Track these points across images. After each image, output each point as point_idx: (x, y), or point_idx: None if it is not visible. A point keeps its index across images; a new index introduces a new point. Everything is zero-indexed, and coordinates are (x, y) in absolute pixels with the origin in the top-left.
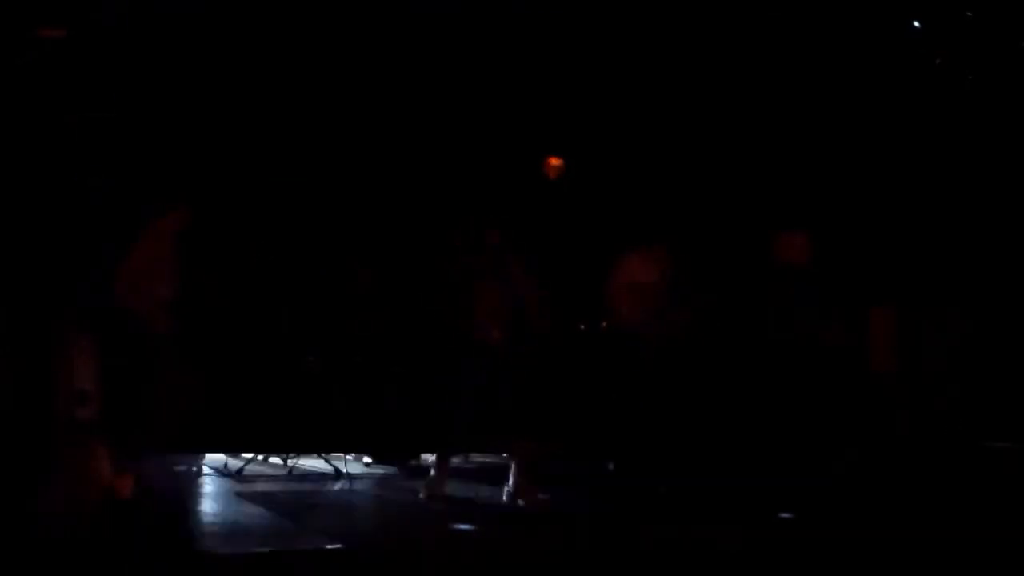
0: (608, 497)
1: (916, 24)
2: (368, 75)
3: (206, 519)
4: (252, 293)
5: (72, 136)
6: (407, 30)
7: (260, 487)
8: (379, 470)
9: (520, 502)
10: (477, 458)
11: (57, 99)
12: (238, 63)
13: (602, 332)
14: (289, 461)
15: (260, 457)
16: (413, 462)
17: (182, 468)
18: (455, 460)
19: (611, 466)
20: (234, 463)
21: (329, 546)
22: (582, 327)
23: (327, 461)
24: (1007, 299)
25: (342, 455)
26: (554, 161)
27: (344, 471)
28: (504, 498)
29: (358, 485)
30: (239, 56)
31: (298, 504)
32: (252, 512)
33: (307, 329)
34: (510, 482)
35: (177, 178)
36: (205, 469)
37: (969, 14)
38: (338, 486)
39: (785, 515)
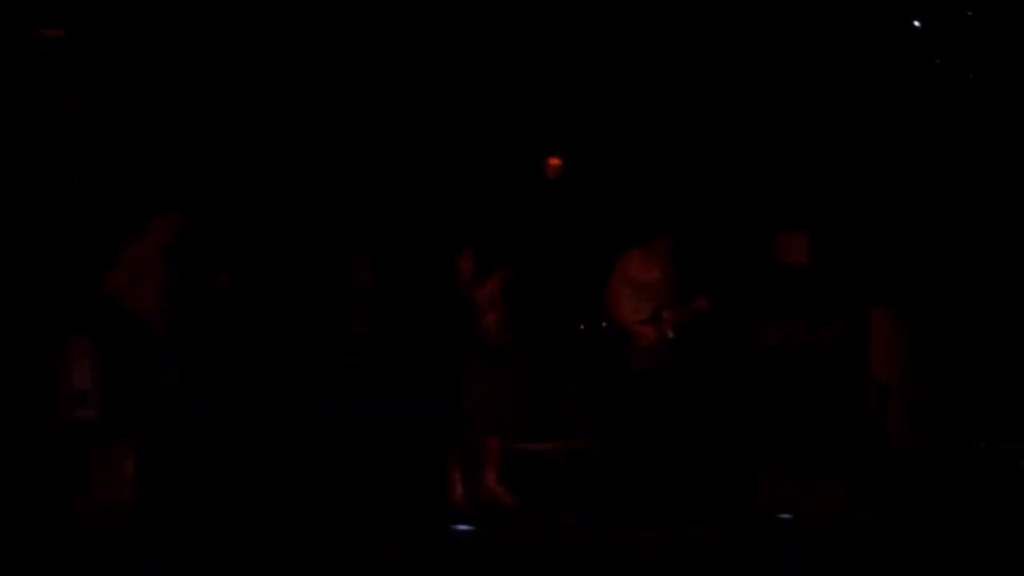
0: (603, 496)
1: (916, 24)
2: (368, 75)
3: None
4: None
5: (71, 136)
6: (407, 30)
7: None
8: None
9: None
10: None
11: (56, 99)
12: (237, 63)
13: (603, 332)
14: None
15: None
16: None
17: None
18: None
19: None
20: None
21: None
22: (582, 327)
23: None
24: (1007, 299)
25: None
26: (554, 161)
27: None
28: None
29: None
30: (238, 56)
31: None
32: None
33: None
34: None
35: (174, 178)
36: None
37: (969, 14)
38: None
39: (785, 516)
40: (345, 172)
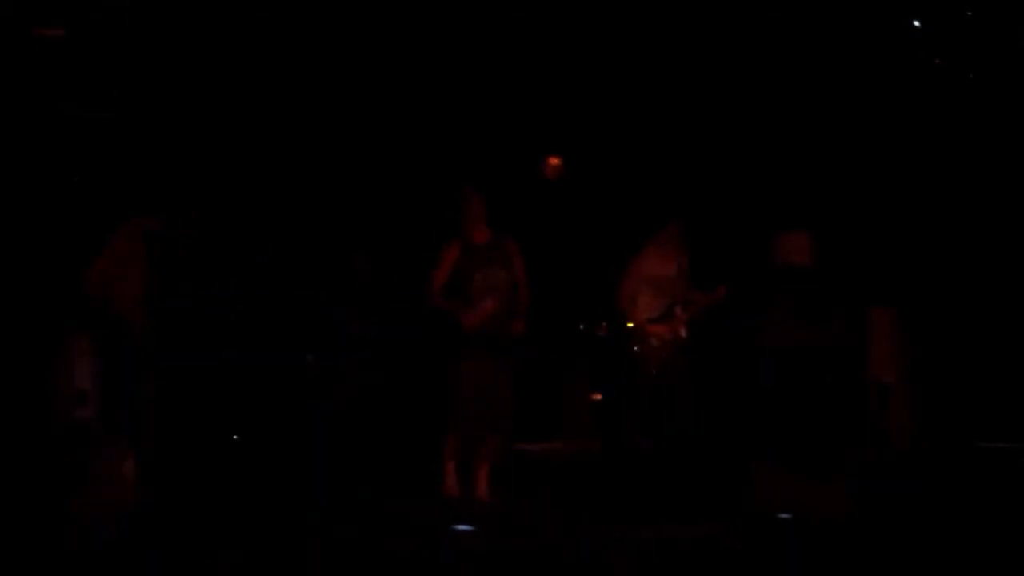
0: (603, 496)
1: (916, 24)
2: (368, 75)
3: None
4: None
5: (71, 136)
6: (407, 29)
7: None
8: None
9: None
10: None
11: (56, 99)
12: (237, 63)
13: (603, 332)
14: None
15: None
16: None
17: None
18: None
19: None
20: None
21: None
22: (581, 327)
23: None
24: (1007, 299)
25: None
26: (553, 161)
27: None
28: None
29: None
30: (238, 56)
31: None
32: None
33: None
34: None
35: (174, 178)
36: None
37: (969, 14)
38: None
39: (784, 516)
40: (345, 172)
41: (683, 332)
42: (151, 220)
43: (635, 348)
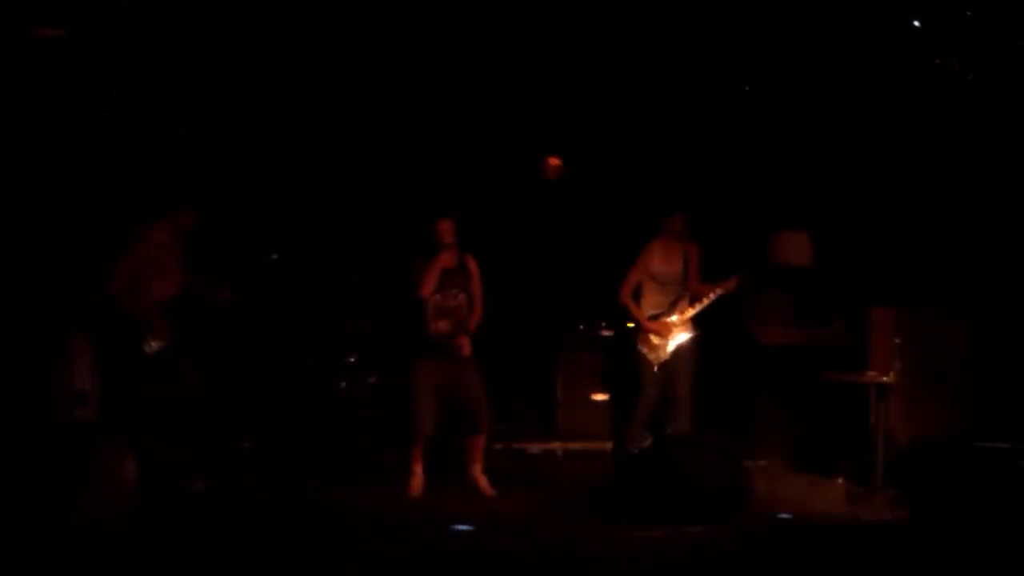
0: (603, 496)
1: (916, 24)
2: (368, 75)
3: None
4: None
5: (72, 136)
6: (406, 29)
7: None
8: None
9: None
10: None
11: (56, 99)
12: (237, 63)
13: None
14: None
15: None
16: None
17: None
18: None
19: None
20: None
21: None
22: (581, 327)
23: None
24: (1007, 299)
25: None
26: (553, 161)
27: None
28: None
29: None
30: (238, 56)
31: None
32: None
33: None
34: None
35: (174, 179)
36: None
37: (969, 14)
38: None
39: (784, 516)
40: (345, 173)
41: (689, 328)
42: (180, 220)
43: (639, 347)
